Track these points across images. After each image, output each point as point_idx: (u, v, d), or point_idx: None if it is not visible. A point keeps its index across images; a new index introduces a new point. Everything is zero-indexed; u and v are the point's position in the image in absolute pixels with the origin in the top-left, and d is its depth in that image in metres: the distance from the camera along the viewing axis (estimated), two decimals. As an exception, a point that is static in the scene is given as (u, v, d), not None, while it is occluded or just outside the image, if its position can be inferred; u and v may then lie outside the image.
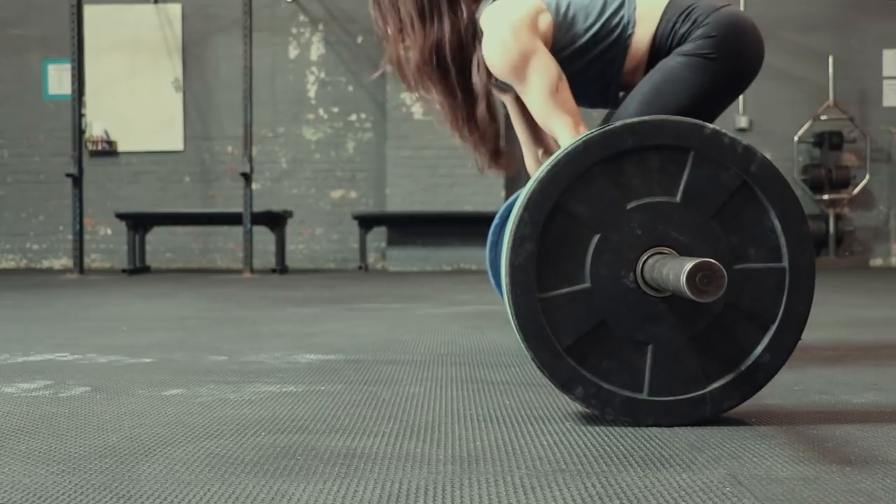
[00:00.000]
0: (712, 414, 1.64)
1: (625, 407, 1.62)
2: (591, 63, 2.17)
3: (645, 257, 1.62)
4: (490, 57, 2.13)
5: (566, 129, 2.06)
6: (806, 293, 1.64)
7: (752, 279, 1.63)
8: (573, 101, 2.10)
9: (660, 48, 2.15)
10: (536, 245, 1.61)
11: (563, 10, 2.15)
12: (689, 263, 1.41)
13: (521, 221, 1.62)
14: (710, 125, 1.64)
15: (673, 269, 1.46)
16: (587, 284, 1.62)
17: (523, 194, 1.67)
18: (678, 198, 1.62)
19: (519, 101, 2.48)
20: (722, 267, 1.42)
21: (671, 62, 2.11)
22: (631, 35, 2.15)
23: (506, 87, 2.29)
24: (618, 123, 1.63)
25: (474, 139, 2.32)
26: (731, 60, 2.11)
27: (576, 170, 1.62)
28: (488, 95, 2.26)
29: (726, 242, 1.63)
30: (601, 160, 1.62)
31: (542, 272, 1.62)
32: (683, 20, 2.12)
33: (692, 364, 1.63)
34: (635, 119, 1.64)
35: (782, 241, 1.63)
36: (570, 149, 1.63)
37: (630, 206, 1.62)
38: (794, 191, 1.66)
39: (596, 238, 1.63)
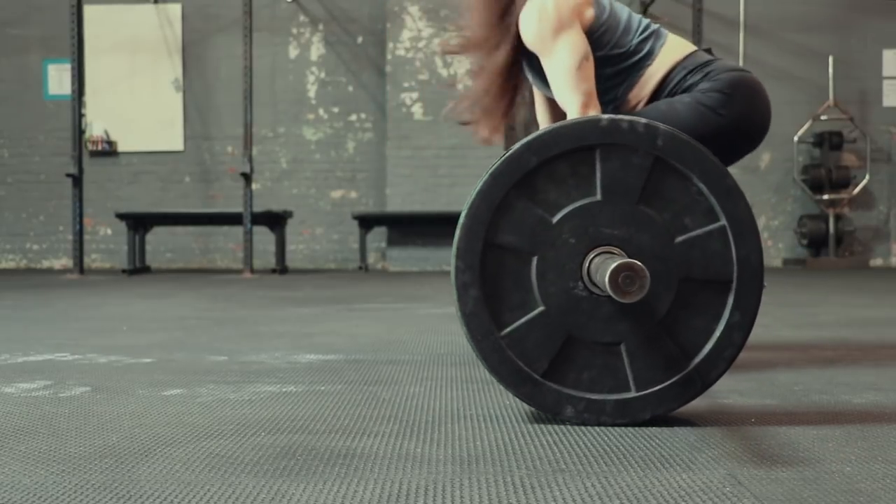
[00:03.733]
0: (705, 387, 1.64)
1: (618, 410, 1.62)
2: (607, 77, 2.19)
3: (587, 263, 1.62)
4: (526, 21, 2.13)
5: (575, 105, 2.07)
6: (752, 242, 1.63)
7: (697, 247, 1.63)
8: (593, 84, 2.10)
9: (665, 90, 2.18)
10: (480, 288, 1.62)
11: (606, 13, 2.17)
12: (611, 266, 1.44)
13: (458, 270, 1.63)
14: (605, 116, 1.64)
15: (600, 274, 1.48)
16: (541, 308, 1.63)
17: (454, 242, 1.67)
18: (599, 195, 1.62)
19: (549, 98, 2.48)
20: (642, 266, 1.44)
21: (678, 98, 2.14)
22: (647, 66, 2.18)
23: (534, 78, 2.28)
24: (517, 146, 1.64)
25: (488, 109, 2.31)
26: (737, 119, 2.13)
27: (492, 203, 1.63)
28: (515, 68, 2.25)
29: (660, 220, 1.63)
30: (513, 186, 1.62)
31: (494, 311, 1.63)
32: (696, 72, 2.16)
33: (669, 347, 1.63)
34: (530, 136, 1.65)
35: (713, 201, 1.62)
36: (480, 185, 1.64)
37: (556, 218, 1.63)
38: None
39: (534, 261, 1.63)
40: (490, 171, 1.63)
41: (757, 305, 1.65)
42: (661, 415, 1.63)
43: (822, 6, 9.00)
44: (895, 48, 9.10)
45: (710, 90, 2.12)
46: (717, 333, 1.63)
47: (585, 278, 1.62)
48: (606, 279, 1.44)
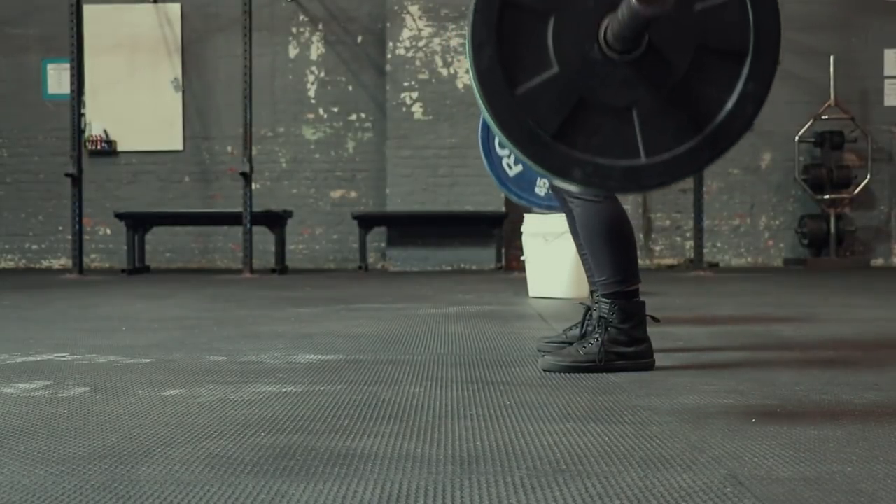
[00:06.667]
0: (713, 157, 1.62)
1: (626, 175, 1.60)
2: None
3: (605, 24, 1.59)
4: None
5: None
6: (772, 13, 1.62)
7: (716, 14, 1.60)
8: None
9: None
10: (496, 46, 1.59)
11: None
12: None
13: (475, 27, 1.59)
14: None
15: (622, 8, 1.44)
16: (556, 69, 1.60)
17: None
18: None
19: None
20: None
21: None
22: None
23: None
24: None
25: None
26: None
27: None
28: None
29: None
30: None
31: (509, 70, 1.59)
32: None
33: (680, 116, 1.61)
34: None
35: None
36: None
37: None
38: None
39: (551, 21, 1.60)
40: None
41: (772, 77, 1.62)
42: (667, 182, 1.61)
43: (823, 6, 9.00)
44: None
45: None
46: (730, 104, 1.60)
47: (602, 39, 1.59)
48: None
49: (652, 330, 2.40)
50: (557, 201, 2.79)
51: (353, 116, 9.13)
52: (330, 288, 6.01)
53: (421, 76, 8.71)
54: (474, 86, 1.62)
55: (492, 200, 8.43)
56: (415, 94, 8.71)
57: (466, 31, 1.64)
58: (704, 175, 7.98)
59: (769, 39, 1.62)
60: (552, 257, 4.94)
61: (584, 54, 1.60)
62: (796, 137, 8.86)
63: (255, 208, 7.96)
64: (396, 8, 8.69)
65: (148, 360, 2.53)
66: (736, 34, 1.61)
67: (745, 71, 1.61)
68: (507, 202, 8.13)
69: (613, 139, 1.61)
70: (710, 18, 1.61)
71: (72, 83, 7.49)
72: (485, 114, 1.66)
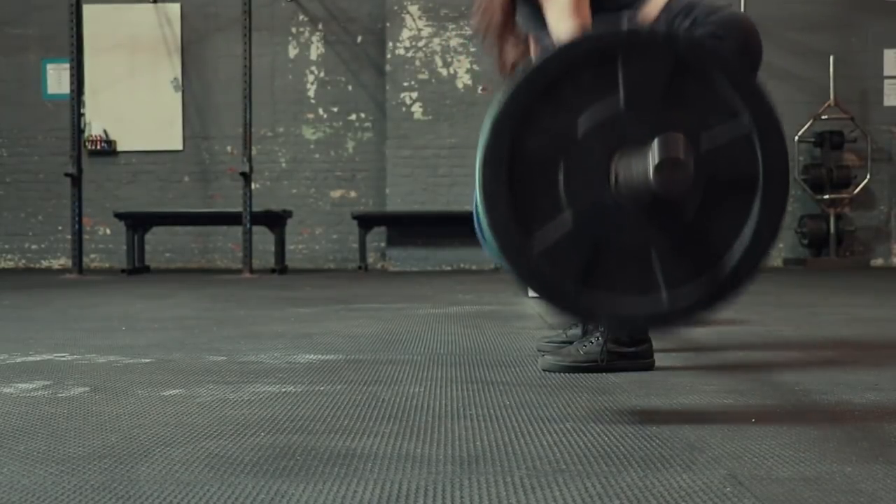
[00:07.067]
0: (736, 288, 1.62)
1: (651, 314, 1.61)
2: (598, 20, 2.18)
3: (614, 167, 1.60)
4: None
5: (570, 33, 2.07)
6: (777, 140, 1.63)
7: (723, 147, 1.62)
8: (589, 17, 2.12)
9: None
10: (507, 197, 1.59)
11: None
12: (656, 147, 1.41)
13: (485, 181, 1.60)
14: (625, 24, 1.65)
15: (639, 167, 1.45)
16: (570, 215, 1.61)
17: (479, 152, 1.65)
18: (622, 101, 1.61)
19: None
20: (686, 149, 1.41)
21: None
22: (638, 9, 2.19)
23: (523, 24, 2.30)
24: (539, 57, 1.64)
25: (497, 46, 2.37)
26: None
27: (516, 112, 1.60)
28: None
29: (684, 123, 1.61)
30: (537, 94, 1.60)
31: (523, 222, 1.60)
32: (684, 17, 2.15)
33: (698, 249, 1.62)
34: (549, 48, 1.65)
35: (737, 101, 1.62)
36: (504, 95, 1.61)
37: (580, 125, 1.60)
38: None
39: (561, 168, 1.61)
40: (514, 82, 1.61)
41: (785, 203, 1.63)
42: (692, 319, 1.61)
43: (823, 6, 8.99)
44: None
45: (704, 36, 2.10)
46: (747, 233, 1.62)
47: (613, 183, 1.60)
48: (651, 168, 1.40)
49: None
50: None
51: (353, 116, 9.12)
52: (330, 288, 6.01)
53: (421, 76, 8.71)
54: (491, 240, 1.62)
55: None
56: (414, 94, 8.71)
57: (476, 184, 1.65)
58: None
59: (778, 165, 1.62)
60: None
61: (598, 199, 1.61)
62: (796, 137, 8.86)
63: (255, 208, 7.95)
64: (396, 8, 8.69)
65: (147, 360, 2.53)
66: (745, 163, 1.62)
67: (758, 199, 1.62)
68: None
69: (635, 279, 1.62)
70: (717, 150, 1.61)
71: (71, 83, 7.48)
72: (503, 266, 1.67)
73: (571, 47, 1.62)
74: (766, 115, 1.62)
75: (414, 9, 8.68)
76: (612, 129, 1.60)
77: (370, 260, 8.93)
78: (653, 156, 1.46)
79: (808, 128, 8.87)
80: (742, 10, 8.86)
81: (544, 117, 1.61)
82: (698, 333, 3.11)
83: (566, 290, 1.60)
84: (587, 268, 1.61)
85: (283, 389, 2.05)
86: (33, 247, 9.33)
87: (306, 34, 9.16)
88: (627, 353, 2.30)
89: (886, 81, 9.10)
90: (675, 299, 1.60)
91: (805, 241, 8.81)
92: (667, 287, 1.60)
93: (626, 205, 1.60)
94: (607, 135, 1.60)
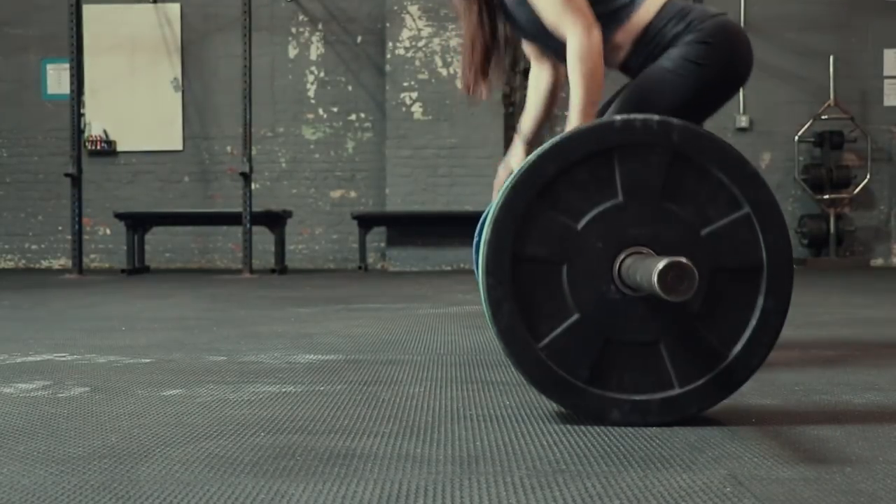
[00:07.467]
0: (748, 375, 1.63)
1: (663, 408, 1.62)
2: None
3: (617, 265, 1.62)
4: None
5: (579, 28, 2.07)
6: (778, 226, 1.64)
7: (724, 237, 1.63)
8: (588, 8, 2.10)
9: (649, 38, 2.20)
10: (513, 302, 1.62)
11: None
12: (659, 266, 1.42)
13: (490, 286, 1.63)
14: (618, 118, 1.64)
15: (644, 275, 1.47)
16: (576, 315, 1.63)
17: (480, 259, 1.67)
18: (620, 197, 1.63)
19: (542, 61, 2.47)
20: (690, 264, 1.42)
21: (662, 65, 2.16)
22: (631, 13, 2.19)
23: (521, 28, 2.28)
24: (533, 156, 1.65)
25: (471, 61, 2.33)
26: (722, 68, 2.17)
27: (516, 215, 1.63)
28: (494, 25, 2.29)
29: (684, 215, 1.63)
30: (534, 196, 1.63)
31: (530, 323, 1.63)
32: (678, 21, 2.17)
33: (707, 340, 1.63)
34: (545, 146, 1.65)
35: (735, 190, 1.63)
36: (502, 199, 1.64)
37: (581, 224, 1.63)
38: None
39: (565, 268, 1.63)
40: (510, 184, 1.64)
41: (790, 287, 1.64)
42: (706, 408, 1.64)
43: (823, 5, 8.99)
44: None
45: (693, 41, 2.14)
46: (754, 321, 1.63)
47: (617, 280, 1.62)
48: (655, 279, 1.42)
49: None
50: None
51: (353, 116, 9.12)
52: (330, 288, 6.01)
53: (420, 76, 8.71)
54: (498, 343, 1.64)
55: (491, 200, 8.42)
56: (414, 94, 8.71)
57: (481, 290, 1.67)
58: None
59: (781, 251, 1.64)
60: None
61: (602, 296, 1.63)
62: (796, 137, 8.86)
63: (255, 208, 7.95)
64: (396, 8, 8.68)
65: (147, 360, 2.53)
66: (748, 251, 1.63)
67: (763, 285, 1.63)
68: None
69: (645, 374, 1.63)
70: (719, 240, 1.63)
71: (71, 83, 7.48)
72: (513, 367, 1.67)
73: (565, 145, 1.63)
74: (765, 203, 1.63)
75: (414, 9, 8.68)
76: (614, 228, 1.62)
77: (370, 260, 8.93)
78: (657, 277, 1.45)
79: (808, 128, 8.87)
80: (742, 10, 8.87)
81: (543, 220, 1.63)
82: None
83: (576, 388, 1.62)
84: (597, 364, 1.63)
85: (283, 389, 2.05)
86: (33, 247, 9.33)
87: (306, 34, 9.15)
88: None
89: (886, 81, 9.10)
90: (688, 395, 1.62)
91: (805, 241, 8.81)
92: (680, 384, 1.62)
93: (632, 298, 1.62)
94: (609, 234, 1.62)
